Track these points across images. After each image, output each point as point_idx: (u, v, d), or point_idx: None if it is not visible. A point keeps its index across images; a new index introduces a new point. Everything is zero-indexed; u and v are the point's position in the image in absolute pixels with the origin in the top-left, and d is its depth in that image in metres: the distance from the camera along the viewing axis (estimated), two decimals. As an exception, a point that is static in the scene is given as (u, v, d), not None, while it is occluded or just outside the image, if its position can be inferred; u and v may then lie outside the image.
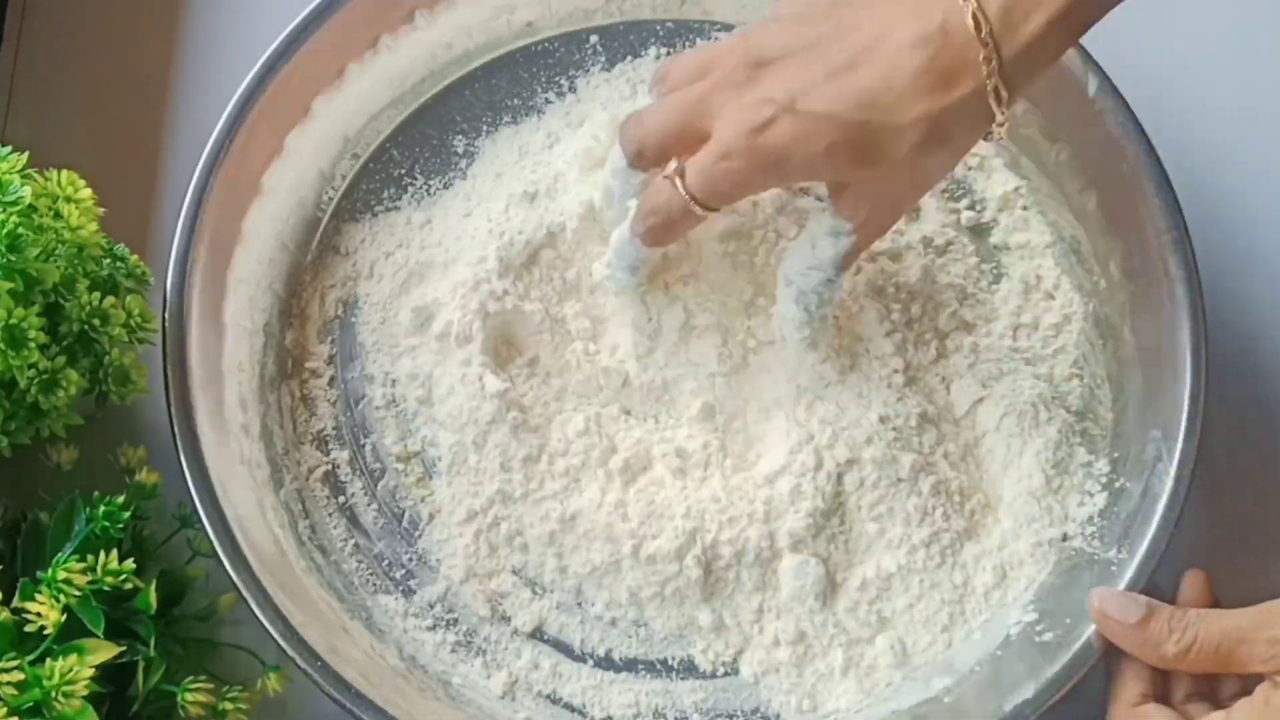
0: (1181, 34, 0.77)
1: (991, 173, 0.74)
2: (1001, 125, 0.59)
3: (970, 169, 0.74)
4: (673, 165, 0.62)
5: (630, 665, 0.67)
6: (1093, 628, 0.63)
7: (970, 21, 0.57)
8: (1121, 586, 0.63)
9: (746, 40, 0.61)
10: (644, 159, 0.63)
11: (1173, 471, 0.64)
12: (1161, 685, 0.63)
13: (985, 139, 0.60)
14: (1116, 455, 0.68)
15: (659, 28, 0.76)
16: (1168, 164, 0.68)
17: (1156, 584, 0.64)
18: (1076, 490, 0.68)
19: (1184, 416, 0.65)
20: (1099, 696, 0.64)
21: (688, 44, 0.75)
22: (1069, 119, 0.71)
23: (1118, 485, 0.67)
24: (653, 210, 0.63)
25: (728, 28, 0.75)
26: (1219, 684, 0.63)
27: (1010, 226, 0.73)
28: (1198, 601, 0.64)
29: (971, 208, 0.73)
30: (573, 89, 0.75)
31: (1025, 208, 0.73)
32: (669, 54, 0.75)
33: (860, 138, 0.59)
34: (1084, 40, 0.70)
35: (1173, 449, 0.65)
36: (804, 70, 0.59)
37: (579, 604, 0.67)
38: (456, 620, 0.67)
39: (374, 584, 0.68)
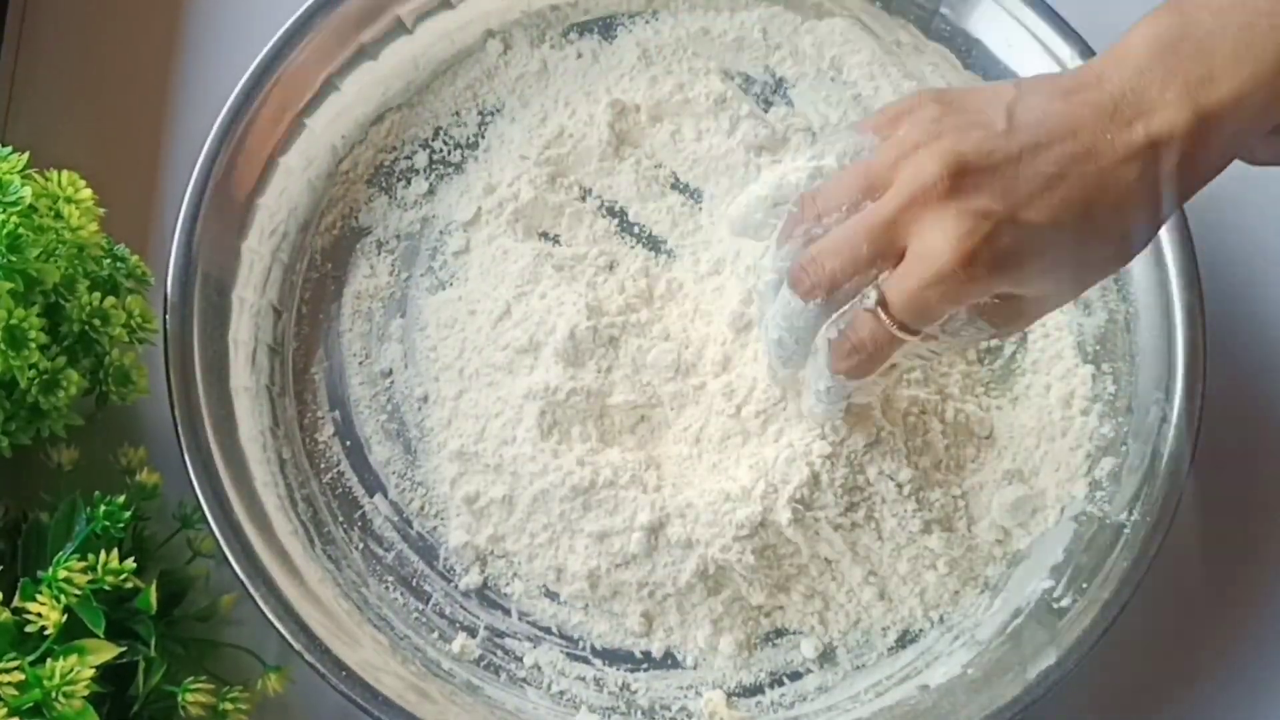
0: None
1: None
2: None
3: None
4: (872, 296, 0.58)
5: (628, 658, 0.67)
6: (1109, 591, 0.64)
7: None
8: (1135, 550, 0.64)
9: (935, 147, 0.56)
10: (827, 295, 0.58)
11: (1170, 434, 0.66)
12: None
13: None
14: (1121, 420, 0.68)
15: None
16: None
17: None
18: (1087, 456, 0.69)
19: (1181, 376, 0.66)
20: (1121, 662, 0.66)
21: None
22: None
23: (1124, 449, 0.68)
24: (856, 348, 0.59)
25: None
26: None
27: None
28: None
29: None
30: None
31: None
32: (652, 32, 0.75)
33: (1079, 250, 0.56)
34: (1081, 33, 0.71)
35: (1172, 408, 0.66)
36: (1017, 180, 0.55)
37: (598, 607, 0.67)
38: (471, 626, 0.67)
39: (388, 588, 0.68)
